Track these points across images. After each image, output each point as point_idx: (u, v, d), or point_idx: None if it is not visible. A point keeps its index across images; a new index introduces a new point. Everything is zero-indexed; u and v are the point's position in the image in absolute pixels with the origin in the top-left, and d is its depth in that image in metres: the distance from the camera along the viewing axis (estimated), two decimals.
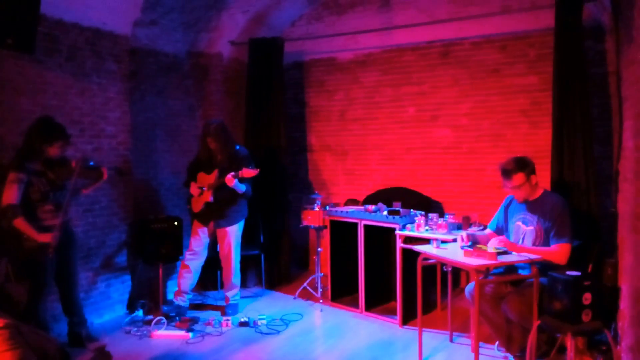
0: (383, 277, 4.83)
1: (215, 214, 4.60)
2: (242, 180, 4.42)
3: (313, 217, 4.99)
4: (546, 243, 3.40)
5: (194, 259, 4.67)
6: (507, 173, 3.45)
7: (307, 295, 5.17)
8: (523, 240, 3.50)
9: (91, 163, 3.97)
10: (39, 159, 3.63)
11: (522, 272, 3.40)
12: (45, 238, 3.58)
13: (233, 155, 4.54)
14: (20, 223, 3.53)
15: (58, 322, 4.10)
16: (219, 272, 5.27)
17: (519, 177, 3.42)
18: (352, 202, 5.51)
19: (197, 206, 4.64)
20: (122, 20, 4.66)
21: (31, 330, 2.84)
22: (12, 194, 3.49)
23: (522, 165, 3.44)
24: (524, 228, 3.52)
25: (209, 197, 4.55)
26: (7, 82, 3.85)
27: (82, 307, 4.08)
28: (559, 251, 3.30)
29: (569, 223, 3.35)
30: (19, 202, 3.52)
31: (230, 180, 4.34)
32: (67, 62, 4.26)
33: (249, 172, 4.31)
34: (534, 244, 3.43)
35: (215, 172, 4.53)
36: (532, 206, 3.51)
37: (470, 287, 3.57)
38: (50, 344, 2.88)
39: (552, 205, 3.41)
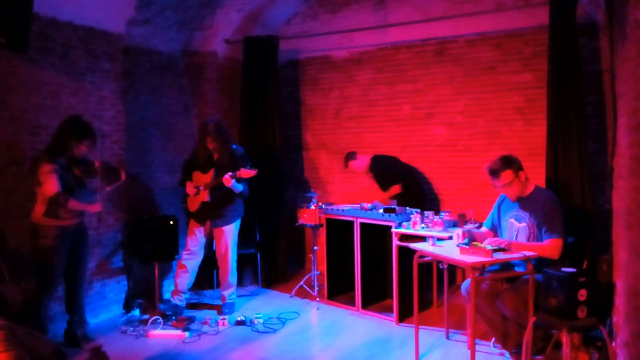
0: (379, 275, 4.83)
1: (212, 213, 4.59)
2: (239, 180, 4.41)
3: (309, 215, 4.99)
4: (539, 239, 3.42)
5: (190, 259, 4.66)
6: (494, 172, 3.48)
7: (303, 294, 5.17)
8: (517, 237, 3.51)
9: (103, 161, 4.05)
10: (67, 156, 3.77)
11: (518, 269, 3.42)
12: (97, 208, 3.86)
13: (232, 153, 4.53)
14: (74, 203, 3.72)
15: (54, 323, 4.08)
16: (215, 271, 5.27)
17: (506, 175, 3.45)
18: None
19: (193, 205, 4.63)
20: (115, 18, 4.64)
21: (26, 331, 2.84)
22: (54, 183, 3.64)
23: (508, 162, 3.47)
24: (517, 225, 3.53)
25: (205, 196, 4.54)
26: (1, 82, 3.82)
27: (84, 307, 4.10)
28: (551, 246, 3.31)
29: (560, 218, 3.36)
30: (62, 189, 3.67)
31: (228, 180, 4.33)
32: (60, 61, 4.23)
33: (247, 173, 4.30)
34: (527, 241, 3.45)
35: (212, 172, 4.52)
36: (524, 203, 3.53)
37: (466, 284, 3.58)
38: (45, 345, 2.87)
39: (543, 201, 3.44)
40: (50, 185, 3.62)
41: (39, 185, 3.68)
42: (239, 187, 4.47)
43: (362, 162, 5.28)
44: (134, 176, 4.39)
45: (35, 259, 3.75)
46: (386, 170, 5.20)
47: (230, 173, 4.33)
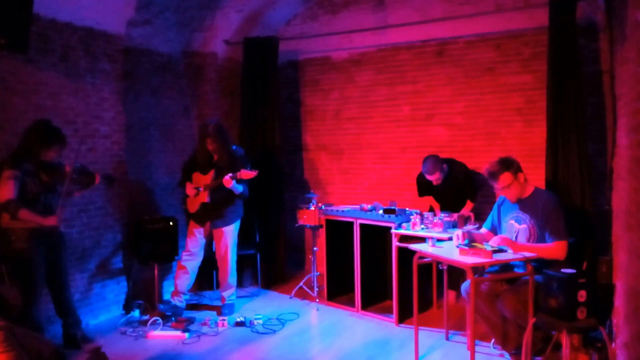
0: (379, 276, 4.83)
1: (212, 214, 4.59)
2: (239, 181, 4.40)
3: (309, 216, 4.98)
4: (539, 241, 3.42)
5: (190, 260, 4.66)
6: (493, 175, 3.47)
7: (303, 295, 5.16)
8: (516, 239, 3.51)
9: (77, 165, 3.94)
10: (34, 161, 3.65)
11: (518, 270, 3.42)
12: (51, 221, 3.65)
13: (231, 154, 4.53)
14: (25, 214, 3.56)
15: (53, 324, 4.07)
16: (214, 272, 5.26)
17: (505, 177, 3.44)
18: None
19: (193, 206, 4.63)
20: (115, 19, 4.64)
21: (25, 332, 2.83)
22: (9, 190, 3.51)
23: (507, 164, 3.46)
24: (517, 226, 3.53)
25: (205, 197, 4.53)
26: (0, 82, 3.82)
27: (76, 308, 4.07)
28: (557, 248, 3.32)
29: (562, 219, 3.36)
30: (17, 197, 3.53)
31: (228, 181, 4.32)
32: (60, 62, 4.23)
33: (247, 174, 4.30)
34: (528, 242, 3.45)
35: (212, 173, 4.52)
36: (524, 205, 3.53)
37: (466, 285, 3.58)
38: (45, 345, 2.87)
39: (544, 203, 3.43)
40: (5, 191, 3.49)
41: None
42: (239, 188, 4.47)
43: (444, 168, 4.65)
44: (113, 179, 4.31)
45: (12, 264, 3.61)
46: (469, 177, 4.73)
47: (230, 174, 4.32)
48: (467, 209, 4.68)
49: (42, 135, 3.63)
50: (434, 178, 4.62)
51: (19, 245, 3.60)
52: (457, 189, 4.72)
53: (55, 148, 3.69)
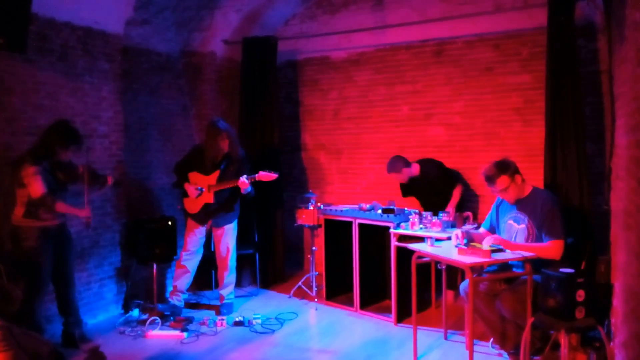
0: (378, 276, 4.83)
1: (215, 213, 4.58)
2: (252, 182, 4.38)
3: (307, 215, 4.98)
4: (538, 240, 3.42)
5: (190, 259, 4.66)
6: (490, 179, 3.46)
7: (302, 294, 5.16)
8: (515, 239, 3.51)
9: (88, 166, 3.98)
10: (50, 160, 3.72)
11: (516, 270, 3.42)
12: (86, 212, 3.74)
13: (240, 154, 4.52)
14: (61, 206, 3.68)
15: (51, 323, 4.07)
16: (213, 271, 5.26)
17: (503, 180, 3.43)
18: None
19: (194, 207, 4.59)
20: (114, 19, 4.63)
21: (24, 332, 2.83)
22: (40, 185, 3.59)
23: (504, 167, 3.44)
24: (516, 226, 3.53)
25: (210, 198, 4.50)
26: None
27: (78, 308, 4.08)
28: (552, 247, 3.32)
29: (560, 218, 3.36)
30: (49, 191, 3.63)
31: (245, 183, 4.29)
32: (59, 62, 4.23)
33: (267, 176, 4.26)
34: (526, 242, 3.45)
35: (217, 173, 4.49)
36: (522, 205, 3.52)
37: (464, 285, 3.59)
38: (43, 345, 2.87)
39: (542, 202, 3.43)
40: (37, 186, 3.57)
41: (20, 187, 3.63)
42: (248, 189, 4.45)
43: (413, 168, 4.76)
44: (118, 182, 4.37)
45: (20, 261, 3.67)
46: (444, 173, 4.82)
47: (245, 175, 4.30)
48: (455, 199, 4.69)
49: (62, 135, 3.70)
50: (400, 178, 4.75)
51: (30, 244, 3.64)
52: (435, 187, 4.76)
53: (72, 148, 3.77)
